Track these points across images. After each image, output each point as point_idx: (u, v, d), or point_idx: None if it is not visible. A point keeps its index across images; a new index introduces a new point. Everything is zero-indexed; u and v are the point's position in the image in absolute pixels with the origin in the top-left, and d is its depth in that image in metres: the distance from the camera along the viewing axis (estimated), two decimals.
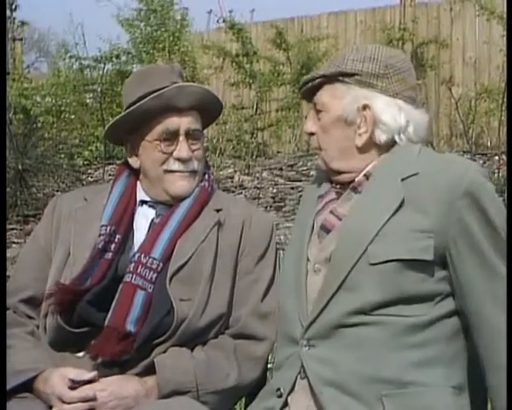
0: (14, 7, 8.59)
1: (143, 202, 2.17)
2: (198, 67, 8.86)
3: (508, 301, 1.80)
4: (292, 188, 6.74)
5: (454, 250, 1.83)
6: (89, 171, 7.79)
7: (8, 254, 4.48)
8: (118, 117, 2.15)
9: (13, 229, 5.96)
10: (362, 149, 1.94)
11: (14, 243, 5.69)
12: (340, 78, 1.93)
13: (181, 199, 2.12)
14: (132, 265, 2.01)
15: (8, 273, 2.38)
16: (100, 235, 2.06)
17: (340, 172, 1.97)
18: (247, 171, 7.35)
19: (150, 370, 1.96)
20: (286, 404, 1.88)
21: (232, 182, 7.04)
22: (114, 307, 1.98)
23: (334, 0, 12.62)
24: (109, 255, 2.05)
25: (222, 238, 2.10)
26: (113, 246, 2.06)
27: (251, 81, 8.68)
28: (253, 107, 8.66)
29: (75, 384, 1.92)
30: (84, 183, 7.16)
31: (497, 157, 6.67)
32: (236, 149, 8.03)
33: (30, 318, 2.12)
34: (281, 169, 7.43)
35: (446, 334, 1.85)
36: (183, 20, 9.10)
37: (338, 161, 1.96)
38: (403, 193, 1.84)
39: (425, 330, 1.82)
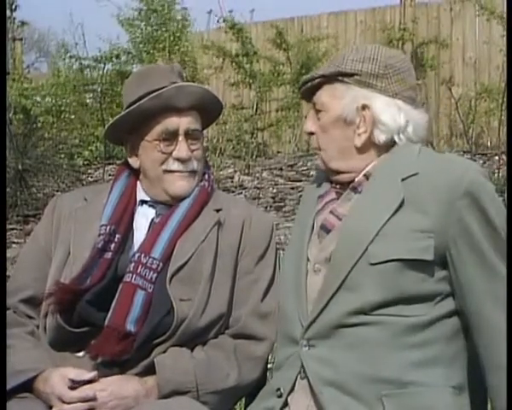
0: (14, 7, 8.59)
1: (143, 202, 2.17)
2: (198, 67, 8.86)
3: (508, 301, 1.80)
4: (292, 188, 6.73)
5: (454, 250, 1.83)
6: (89, 171, 7.79)
7: (8, 254, 4.48)
8: (117, 117, 2.15)
9: (13, 229, 5.96)
10: (361, 149, 1.94)
11: (14, 243, 5.69)
12: (340, 78, 1.94)
13: (181, 199, 2.12)
14: (132, 265, 2.02)
15: (8, 273, 2.39)
16: (100, 234, 2.07)
17: (339, 172, 1.97)
18: (247, 171, 7.35)
19: (150, 370, 1.96)
20: (286, 404, 1.88)
21: (232, 182, 7.04)
22: (114, 307, 1.98)
23: (334, 0, 12.63)
24: (109, 255, 2.05)
25: (222, 238, 2.10)
26: (112, 246, 2.06)
27: (251, 81, 8.68)
28: (253, 107, 8.66)
29: (75, 384, 1.92)
30: (84, 183, 7.16)
31: (497, 157, 6.67)
32: (236, 149, 8.03)
33: (30, 318, 2.12)
34: (281, 169, 7.43)
35: (446, 334, 1.85)
36: (185, 20, 9.10)
37: (337, 160, 1.96)
38: (403, 193, 1.84)
39: (425, 330, 1.82)
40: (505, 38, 6.40)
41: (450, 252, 1.83)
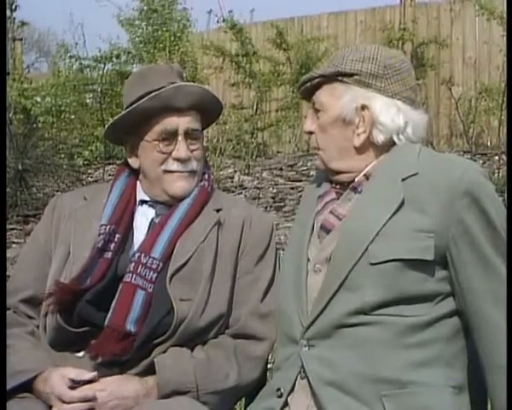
0: (14, 7, 8.58)
1: (143, 202, 2.17)
2: (198, 67, 8.85)
3: (508, 301, 1.80)
4: (292, 188, 6.73)
5: (454, 250, 1.83)
6: (89, 171, 7.79)
7: (8, 254, 4.48)
8: (117, 117, 2.15)
9: (13, 229, 5.96)
10: (360, 150, 1.94)
11: (14, 243, 5.69)
12: (339, 77, 1.93)
13: (180, 199, 2.12)
14: (132, 264, 2.01)
15: (8, 273, 2.39)
16: (99, 234, 2.07)
17: (339, 172, 1.97)
18: (247, 171, 7.35)
19: (150, 370, 1.96)
20: (286, 404, 1.88)
21: (232, 182, 7.04)
22: (114, 307, 1.98)
23: (334, 0, 12.64)
24: (109, 255, 2.05)
25: (222, 238, 2.10)
26: (112, 245, 2.06)
27: (250, 81, 8.68)
28: (252, 107, 8.66)
29: (75, 384, 1.92)
30: (84, 183, 7.16)
31: (497, 157, 6.67)
32: (236, 149, 8.03)
33: (30, 318, 2.12)
34: (281, 169, 7.43)
35: (446, 334, 1.85)
36: (186, 20, 9.09)
37: (336, 160, 1.96)
38: (403, 193, 1.84)
39: (425, 330, 1.82)
40: (505, 38, 6.39)
41: (451, 252, 1.83)
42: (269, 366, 2.12)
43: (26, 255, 2.22)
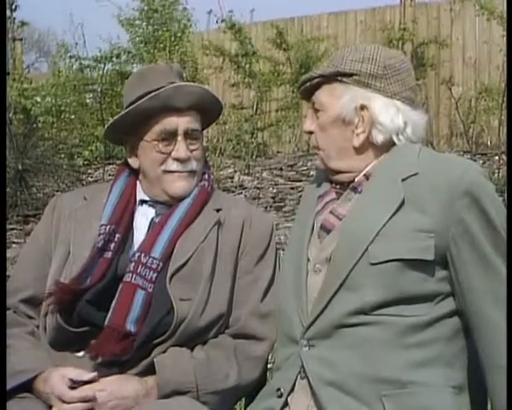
0: (14, 7, 8.58)
1: (143, 202, 2.17)
2: (198, 67, 8.85)
3: (508, 301, 1.80)
4: (292, 188, 6.73)
5: (454, 250, 1.83)
6: (89, 171, 7.79)
7: (8, 254, 4.48)
8: (116, 117, 2.15)
9: (13, 229, 5.96)
10: (359, 150, 1.94)
11: (14, 243, 5.69)
12: (339, 77, 1.93)
13: (180, 199, 2.12)
14: (132, 264, 2.01)
15: (8, 273, 2.39)
16: (99, 234, 2.07)
17: (339, 172, 1.97)
18: (247, 171, 7.35)
19: (150, 370, 1.96)
20: (286, 404, 1.88)
21: (232, 182, 7.04)
22: (114, 307, 1.98)
23: (334, 0, 12.64)
24: (109, 255, 2.05)
25: (222, 238, 2.10)
26: (112, 245, 2.06)
27: (250, 81, 8.68)
28: (252, 107, 8.66)
29: (75, 384, 1.92)
30: (84, 183, 7.16)
31: (497, 157, 6.67)
32: (236, 149, 8.03)
33: (30, 318, 2.12)
34: (281, 169, 7.43)
35: (447, 334, 1.85)
36: (187, 20, 9.09)
37: (336, 160, 1.96)
38: (403, 193, 1.84)
39: (425, 330, 1.82)
40: (505, 38, 6.40)
41: (451, 252, 1.83)
42: (269, 366, 2.12)
43: (26, 255, 2.22)
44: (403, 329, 1.80)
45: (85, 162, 7.95)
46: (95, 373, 1.94)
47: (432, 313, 1.83)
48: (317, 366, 1.83)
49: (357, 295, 1.82)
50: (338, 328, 1.83)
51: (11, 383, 1.94)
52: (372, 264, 1.81)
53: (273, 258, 2.14)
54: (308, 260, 1.93)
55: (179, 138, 2.10)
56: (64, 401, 1.91)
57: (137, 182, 2.19)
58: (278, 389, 1.89)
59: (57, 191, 6.57)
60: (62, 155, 7.52)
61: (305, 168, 7.28)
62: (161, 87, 2.07)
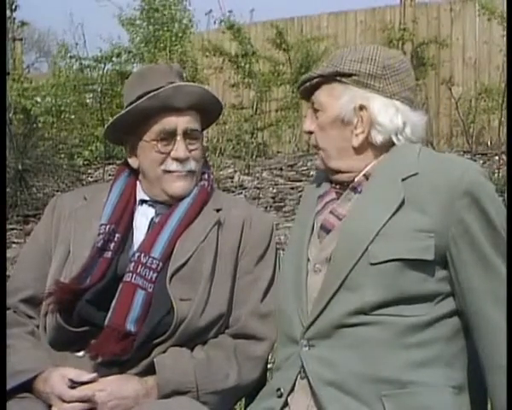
0: (14, 7, 8.58)
1: (143, 202, 2.17)
2: (198, 67, 8.85)
3: (508, 301, 1.80)
4: (292, 188, 6.73)
5: (454, 250, 1.83)
6: (89, 171, 7.79)
7: (8, 254, 4.48)
8: (116, 117, 2.15)
9: (13, 229, 5.96)
10: (359, 150, 1.94)
11: (14, 243, 5.69)
12: (338, 78, 1.93)
13: (180, 199, 2.12)
14: (132, 264, 2.01)
15: (8, 273, 2.39)
16: (99, 234, 2.07)
17: (338, 172, 1.97)
18: (247, 171, 7.35)
19: (150, 370, 1.96)
20: (286, 404, 1.88)
21: (232, 182, 7.04)
22: (114, 307, 1.98)
23: (334, 0, 12.64)
24: (109, 254, 2.05)
25: (222, 238, 2.10)
26: (112, 245, 2.06)
27: (250, 81, 8.68)
28: (252, 107, 8.66)
29: (75, 385, 1.92)
30: (84, 183, 7.16)
31: (497, 157, 6.67)
32: (236, 149, 8.03)
33: (30, 317, 2.12)
34: (281, 169, 7.43)
35: (446, 334, 1.85)
36: (188, 20, 9.09)
37: (336, 160, 1.96)
38: (403, 193, 1.84)
39: (425, 330, 1.82)
40: (505, 38, 6.40)
41: (451, 252, 1.83)
42: (269, 366, 2.12)
43: (26, 255, 2.22)
44: (403, 329, 1.80)
45: (85, 162, 7.95)
46: (94, 374, 1.94)
47: (432, 313, 1.83)
48: (317, 366, 1.83)
49: (357, 295, 1.82)
50: (338, 328, 1.83)
51: (11, 383, 1.94)
52: (372, 264, 1.81)
53: (273, 258, 2.14)
54: (308, 260, 1.93)
55: (178, 138, 2.10)
56: (64, 401, 1.91)
57: (137, 182, 2.19)
58: (278, 389, 1.89)
59: (57, 191, 6.57)
60: (62, 155, 7.52)
61: (305, 168, 7.28)
62: (161, 87, 2.07)
